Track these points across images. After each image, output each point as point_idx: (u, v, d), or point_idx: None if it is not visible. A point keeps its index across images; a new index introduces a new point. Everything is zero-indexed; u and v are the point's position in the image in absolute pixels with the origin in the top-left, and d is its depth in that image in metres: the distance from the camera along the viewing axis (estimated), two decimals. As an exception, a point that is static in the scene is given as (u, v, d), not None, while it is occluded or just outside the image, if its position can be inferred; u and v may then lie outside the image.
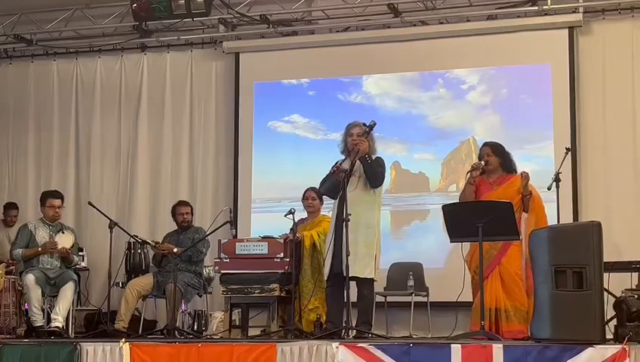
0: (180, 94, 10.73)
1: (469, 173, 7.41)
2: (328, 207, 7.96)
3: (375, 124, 7.34)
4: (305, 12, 10.40)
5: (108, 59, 11.00)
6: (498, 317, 7.08)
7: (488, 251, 7.20)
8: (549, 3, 9.43)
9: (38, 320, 8.14)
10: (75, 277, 8.47)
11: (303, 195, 8.34)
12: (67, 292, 8.20)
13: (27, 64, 11.23)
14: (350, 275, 7.04)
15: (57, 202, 8.57)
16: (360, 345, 6.18)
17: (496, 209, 6.80)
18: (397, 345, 6.20)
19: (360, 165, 7.28)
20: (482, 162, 7.38)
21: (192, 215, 8.98)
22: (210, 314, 9.00)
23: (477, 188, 7.41)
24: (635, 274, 7.54)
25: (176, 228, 8.90)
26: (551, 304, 5.94)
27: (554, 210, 7.55)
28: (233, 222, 8.28)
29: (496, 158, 7.44)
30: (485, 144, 7.60)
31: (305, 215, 8.37)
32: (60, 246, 8.35)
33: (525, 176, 7.28)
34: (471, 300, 7.26)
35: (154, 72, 10.84)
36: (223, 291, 7.89)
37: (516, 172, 7.45)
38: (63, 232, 8.53)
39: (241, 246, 7.88)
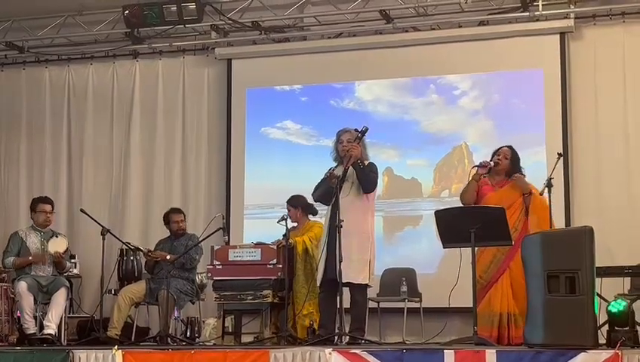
0: (172, 101, 10.71)
1: (475, 168, 7.43)
2: (322, 212, 7.96)
3: (367, 129, 7.31)
4: (297, 18, 10.40)
5: (100, 66, 10.98)
6: (510, 321, 7.07)
7: (496, 255, 7.21)
8: (540, 9, 9.46)
9: (31, 327, 8.10)
10: (68, 283, 8.44)
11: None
12: (59, 299, 8.16)
13: (19, 71, 11.20)
14: (344, 281, 7.03)
15: (48, 207, 8.54)
16: (353, 351, 6.17)
17: (488, 214, 6.80)
18: (390, 350, 6.19)
19: (353, 171, 7.29)
20: (491, 162, 7.41)
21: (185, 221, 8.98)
22: (203, 321, 8.97)
23: (479, 188, 7.43)
24: (628, 279, 7.56)
25: (169, 234, 8.88)
26: (544, 309, 5.95)
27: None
28: (226, 229, 8.28)
29: (509, 163, 7.48)
30: (508, 146, 7.60)
31: (298, 222, 8.38)
32: (53, 251, 8.32)
33: (516, 178, 7.33)
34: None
35: (146, 78, 10.82)
36: (216, 298, 7.89)
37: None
38: (56, 237, 8.51)
39: (234, 253, 7.87)
